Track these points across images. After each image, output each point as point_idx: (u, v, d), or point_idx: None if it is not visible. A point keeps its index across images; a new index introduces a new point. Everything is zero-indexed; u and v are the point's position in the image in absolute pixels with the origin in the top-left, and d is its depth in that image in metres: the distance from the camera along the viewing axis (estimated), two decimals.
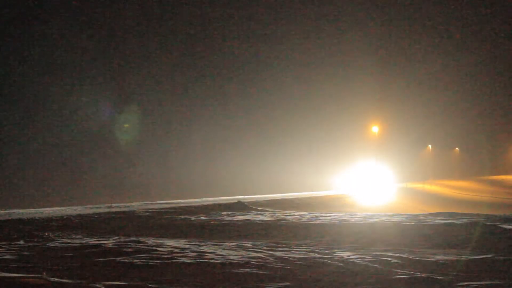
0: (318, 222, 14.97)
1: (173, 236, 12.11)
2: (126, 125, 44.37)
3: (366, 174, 42.71)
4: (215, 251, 8.99)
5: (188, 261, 7.89)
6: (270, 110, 53.51)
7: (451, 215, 17.32)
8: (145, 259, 8.05)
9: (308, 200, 29.90)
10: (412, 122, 68.18)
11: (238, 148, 48.94)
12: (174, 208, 20.11)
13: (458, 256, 8.67)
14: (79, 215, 16.19)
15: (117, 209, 18.92)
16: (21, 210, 18.54)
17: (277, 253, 8.76)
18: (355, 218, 15.90)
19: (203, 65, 53.27)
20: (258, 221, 15.33)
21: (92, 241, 10.41)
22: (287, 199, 29.49)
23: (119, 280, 6.54)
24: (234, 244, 10.29)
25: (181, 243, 10.25)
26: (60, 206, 21.31)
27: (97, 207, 20.32)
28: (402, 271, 7.23)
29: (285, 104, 54.51)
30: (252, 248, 9.63)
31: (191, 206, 21.16)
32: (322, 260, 8.06)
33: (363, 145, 54.12)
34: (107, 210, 18.58)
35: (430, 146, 75.73)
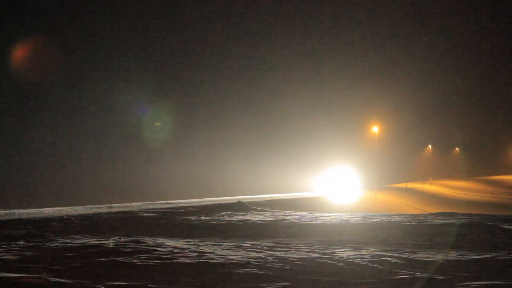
0: (318, 222, 14.97)
1: (173, 236, 12.11)
2: (158, 123, 44.51)
3: (346, 177, 42.78)
4: (215, 251, 9.00)
5: (188, 261, 7.89)
6: (267, 112, 53.33)
7: (451, 215, 17.32)
8: (145, 259, 8.05)
9: (307, 201, 29.90)
10: (412, 122, 68.19)
11: (228, 149, 48.69)
12: (174, 208, 20.11)
13: (458, 256, 8.67)
14: (79, 215, 16.20)
15: (117, 209, 18.93)
16: (21, 210, 18.55)
17: (277, 253, 8.76)
18: (355, 218, 15.90)
19: (203, 66, 53.25)
20: (258, 221, 15.33)
21: (92, 241, 10.41)
22: (286, 199, 29.53)
23: (119, 280, 6.54)
24: (234, 244, 10.29)
25: (181, 243, 10.25)
26: (60, 206, 21.32)
27: (97, 207, 20.33)
28: (402, 271, 7.23)
29: (283, 105, 54.38)
30: (252, 248, 9.63)
31: (191, 206, 21.16)
32: (322, 260, 8.06)
33: (356, 147, 54.14)
34: (107, 210, 18.58)
35: (430, 146, 75.81)
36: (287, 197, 31.25)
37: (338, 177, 42.21)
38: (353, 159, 48.31)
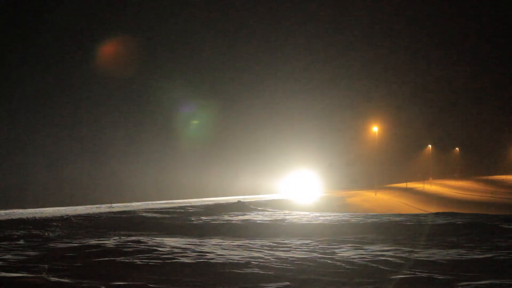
0: (318, 222, 14.97)
1: (173, 236, 12.12)
2: (195, 122, 44.64)
3: (308, 180, 42.71)
4: (215, 251, 9.00)
5: (188, 261, 7.89)
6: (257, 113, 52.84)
7: (451, 215, 17.31)
8: (145, 259, 8.05)
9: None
10: (412, 122, 68.22)
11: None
12: (174, 208, 20.12)
13: (458, 256, 8.67)
14: (79, 215, 16.20)
15: (117, 209, 18.93)
16: (21, 210, 18.54)
17: (277, 253, 8.76)
18: (356, 218, 15.90)
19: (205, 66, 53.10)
20: (258, 221, 15.34)
21: (92, 241, 10.41)
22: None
23: (119, 280, 6.54)
24: (234, 244, 10.29)
25: (181, 243, 10.25)
26: (60, 206, 21.32)
27: (97, 207, 20.34)
28: (402, 271, 7.23)
29: (279, 106, 54.10)
30: (253, 248, 9.63)
31: (191, 206, 21.17)
32: (322, 260, 8.06)
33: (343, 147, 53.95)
34: (107, 210, 18.59)
35: (430, 146, 75.88)
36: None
37: (301, 180, 42.15)
38: (319, 162, 47.85)
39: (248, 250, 9.32)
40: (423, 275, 6.99)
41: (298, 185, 39.80)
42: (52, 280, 6.36)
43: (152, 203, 23.90)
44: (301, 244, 10.22)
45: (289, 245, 10.02)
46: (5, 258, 8.22)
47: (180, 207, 20.47)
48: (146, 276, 6.96)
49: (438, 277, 6.86)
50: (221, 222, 15.37)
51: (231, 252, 8.85)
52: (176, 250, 8.87)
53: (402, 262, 8.01)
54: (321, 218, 16.34)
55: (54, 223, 14.18)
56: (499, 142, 80.00)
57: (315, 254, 8.68)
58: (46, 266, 7.52)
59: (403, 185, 58.54)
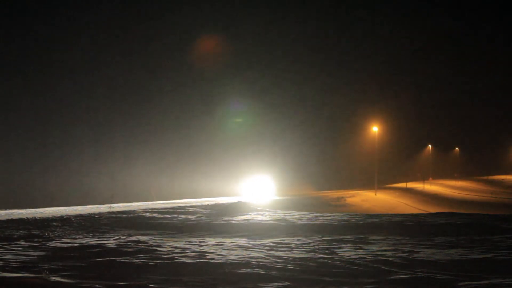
0: (318, 222, 14.98)
1: (173, 236, 12.12)
2: (238, 120, 45.13)
3: (263, 183, 42.70)
4: (215, 251, 9.00)
5: (188, 261, 7.89)
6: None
7: (451, 215, 17.32)
8: (145, 259, 8.05)
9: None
10: (412, 122, 68.23)
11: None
12: (174, 208, 20.12)
13: (458, 256, 8.67)
14: (79, 215, 16.20)
15: (117, 209, 18.93)
16: (21, 210, 18.55)
17: (277, 253, 8.76)
18: (356, 218, 15.91)
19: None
20: (258, 221, 15.34)
21: (92, 241, 10.42)
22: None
23: (119, 280, 6.54)
24: (234, 244, 10.30)
25: (181, 243, 10.26)
26: (60, 206, 21.33)
27: (97, 207, 20.34)
28: (402, 271, 7.23)
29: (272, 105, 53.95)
30: (253, 248, 9.64)
31: (191, 206, 21.17)
32: (322, 260, 8.06)
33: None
34: (107, 210, 18.59)
35: (430, 146, 75.92)
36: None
37: (257, 183, 42.19)
38: (273, 167, 47.59)
39: (248, 250, 9.32)
40: (423, 275, 6.99)
41: (256, 188, 39.94)
42: (52, 280, 6.36)
43: (152, 203, 23.92)
44: (301, 244, 10.22)
45: (289, 245, 10.02)
46: (5, 258, 8.22)
47: (180, 207, 20.47)
48: (146, 276, 6.96)
49: (438, 277, 6.86)
50: (221, 222, 15.37)
51: (231, 252, 8.85)
52: (176, 250, 8.87)
53: (402, 262, 8.01)
54: (321, 218, 16.34)
55: (54, 223, 14.18)
56: (499, 142, 79.97)
57: (315, 254, 8.68)
58: (46, 266, 7.51)
59: (403, 185, 58.49)
